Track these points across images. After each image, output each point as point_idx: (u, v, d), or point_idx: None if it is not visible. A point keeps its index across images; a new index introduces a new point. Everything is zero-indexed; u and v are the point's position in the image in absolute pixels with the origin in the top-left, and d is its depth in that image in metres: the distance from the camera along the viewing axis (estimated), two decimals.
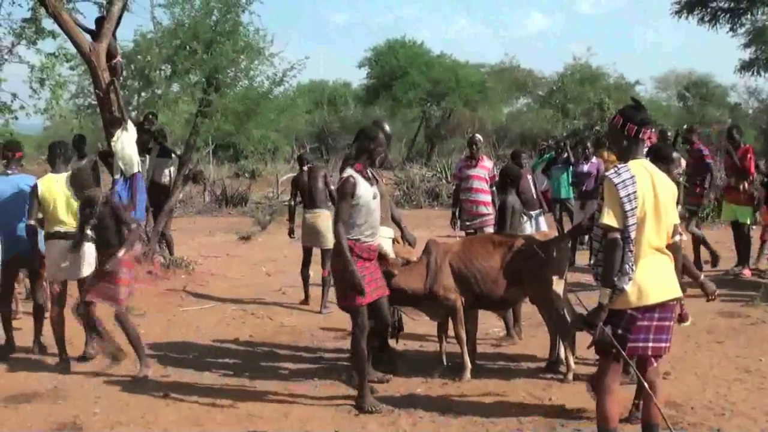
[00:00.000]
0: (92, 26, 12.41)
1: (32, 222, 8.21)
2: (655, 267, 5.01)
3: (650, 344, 5.06)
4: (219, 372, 8.06)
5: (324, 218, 10.85)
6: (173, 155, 13.77)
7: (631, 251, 4.91)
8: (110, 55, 12.40)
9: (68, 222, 8.26)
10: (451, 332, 7.74)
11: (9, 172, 8.80)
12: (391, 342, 8.34)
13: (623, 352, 4.99)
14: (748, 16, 27.37)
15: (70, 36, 12.28)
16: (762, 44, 29.06)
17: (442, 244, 7.87)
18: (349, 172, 6.67)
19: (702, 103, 48.10)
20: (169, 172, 13.72)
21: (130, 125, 11.72)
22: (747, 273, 11.81)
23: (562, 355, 7.47)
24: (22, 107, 13.19)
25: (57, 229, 8.26)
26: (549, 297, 7.38)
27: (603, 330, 5.02)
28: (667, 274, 5.10)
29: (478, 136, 11.22)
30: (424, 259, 7.66)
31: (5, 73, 13.50)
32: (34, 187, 8.30)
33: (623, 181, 4.91)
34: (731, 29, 27.65)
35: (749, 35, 28.66)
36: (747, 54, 29.89)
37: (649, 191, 4.96)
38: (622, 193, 4.89)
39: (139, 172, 11.72)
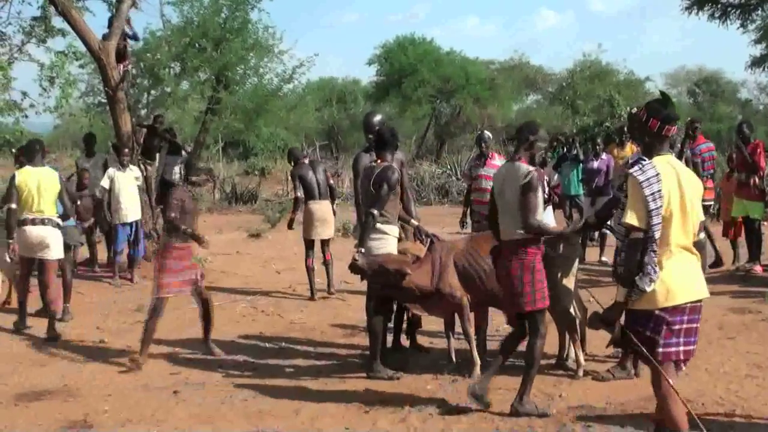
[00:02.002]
0: (102, 24, 12.47)
1: (13, 206, 9.22)
2: (682, 266, 4.89)
3: (681, 348, 4.94)
4: (229, 369, 8.06)
5: (328, 209, 11.51)
6: (183, 153, 13.81)
7: (654, 252, 4.78)
8: (120, 56, 12.46)
9: (41, 210, 9.30)
10: (459, 329, 7.73)
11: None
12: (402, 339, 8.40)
13: (642, 348, 4.88)
14: (759, 12, 27.22)
15: (80, 34, 12.34)
16: None
17: (447, 242, 7.84)
18: (529, 168, 6.45)
19: (712, 100, 48.03)
20: (179, 169, 13.73)
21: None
22: (758, 269, 11.74)
23: (572, 352, 7.46)
24: (32, 105, 13.23)
25: (28, 216, 9.26)
26: (555, 293, 7.34)
27: (621, 328, 4.95)
28: (695, 274, 4.97)
29: (487, 134, 10.76)
30: (429, 256, 7.61)
31: (15, 72, 13.55)
32: (13, 177, 9.40)
33: (648, 179, 4.79)
34: (742, 25, 27.50)
35: (760, 31, 28.48)
36: (758, 50, 29.73)
37: (675, 189, 4.85)
38: (647, 192, 4.76)
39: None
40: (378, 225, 7.57)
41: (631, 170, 4.92)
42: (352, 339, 9.15)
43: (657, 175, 4.80)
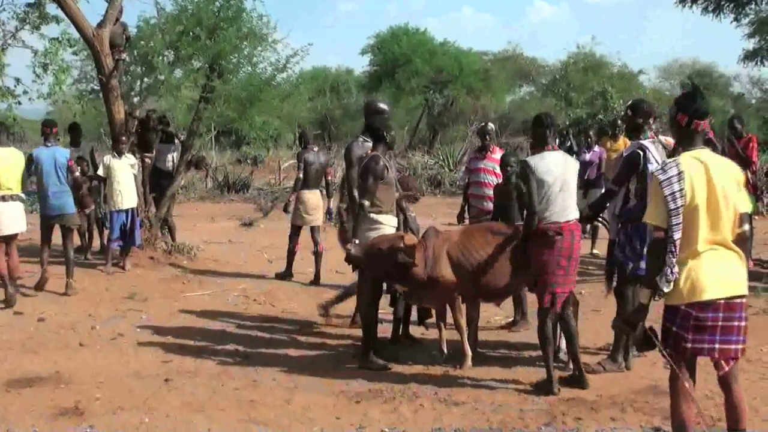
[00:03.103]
0: (96, 11, 12.44)
1: None
2: (712, 262, 4.77)
3: (716, 345, 4.81)
4: (221, 358, 8.08)
5: (319, 199, 12.15)
6: (176, 141, 13.79)
7: (672, 252, 4.72)
8: (113, 46, 12.43)
9: (9, 187, 9.98)
10: (450, 320, 7.74)
11: (48, 144, 10.83)
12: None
13: (663, 350, 4.87)
14: (752, 5, 27.28)
15: (74, 21, 12.29)
16: (766, 34, 28.96)
17: (441, 232, 7.81)
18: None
19: (705, 93, 47.96)
20: (172, 158, 13.75)
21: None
22: (749, 264, 11.75)
23: (563, 343, 7.49)
24: (25, 92, 13.21)
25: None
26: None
27: (644, 330, 4.90)
28: (729, 270, 4.83)
29: (491, 126, 10.37)
30: (422, 245, 7.59)
31: (9, 58, 13.51)
32: None
33: (668, 178, 4.74)
34: (735, 19, 27.58)
35: (753, 25, 28.55)
36: (751, 44, 29.80)
37: (701, 185, 4.75)
38: (666, 192, 4.72)
39: None
40: (372, 215, 7.60)
41: (653, 170, 4.96)
42: (344, 329, 9.17)
43: (679, 174, 4.74)
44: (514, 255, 7.37)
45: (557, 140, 7.14)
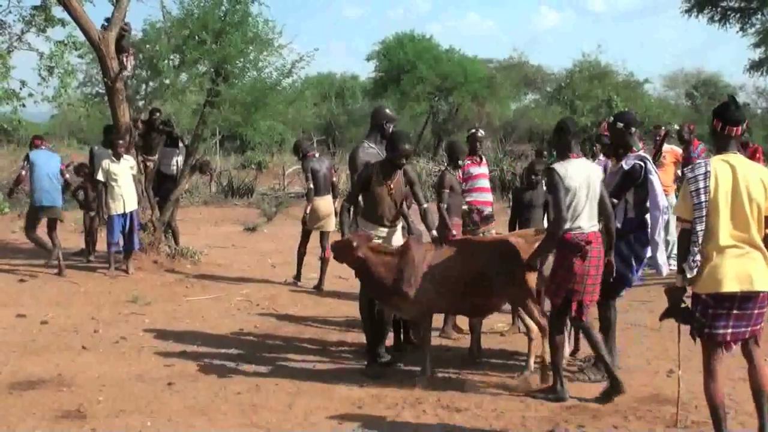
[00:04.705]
0: (102, 14, 12.47)
1: None
2: (733, 258, 5.17)
3: (729, 330, 5.23)
4: (223, 362, 8.07)
5: (330, 204, 12.03)
6: (180, 145, 13.81)
7: (695, 242, 5.18)
8: (121, 49, 12.45)
9: None
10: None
11: (42, 148, 12.40)
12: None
13: (696, 323, 5.26)
14: (759, 15, 27.31)
15: (80, 24, 12.32)
16: None
17: (423, 244, 7.53)
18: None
19: (710, 103, 47.97)
20: (176, 161, 13.77)
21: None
22: None
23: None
24: (30, 95, 13.23)
25: None
26: (527, 296, 7.29)
27: (685, 310, 5.35)
28: (748, 266, 5.17)
29: (482, 132, 10.15)
30: (398, 254, 7.38)
31: (15, 61, 13.53)
32: None
33: (695, 176, 5.21)
34: (741, 29, 27.64)
35: (759, 35, 28.58)
36: (757, 54, 29.84)
37: (726, 185, 5.18)
38: (692, 188, 5.20)
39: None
40: (362, 220, 7.64)
41: (686, 169, 5.43)
42: (347, 334, 9.17)
43: (706, 173, 5.20)
44: (500, 268, 7.16)
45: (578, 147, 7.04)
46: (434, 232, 7.56)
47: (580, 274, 6.55)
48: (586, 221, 6.60)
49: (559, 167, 6.65)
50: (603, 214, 6.75)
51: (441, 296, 7.25)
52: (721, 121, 5.35)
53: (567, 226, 6.54)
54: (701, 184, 5.17)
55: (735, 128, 5.33)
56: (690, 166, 5.41)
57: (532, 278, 7.21)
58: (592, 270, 6.59)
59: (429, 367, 7.31)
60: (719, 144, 5.41)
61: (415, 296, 7.20)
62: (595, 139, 10.92)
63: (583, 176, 6.63)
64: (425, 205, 7.76)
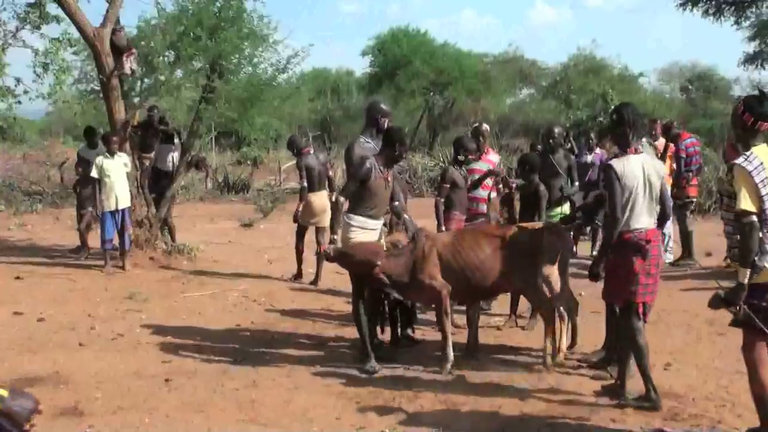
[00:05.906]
0: (97, 11, 12.45)
1: None
2: None
3: None
4: (221, 358, 8.06)
5: (326, 199, 11.95)
6: (176, 141, 13.80)
7: (765, 233, 5.17)
8: (119, 49, 12.43)
9: None
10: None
11: None
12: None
13: (762, 325, 5.20)
14: (753, 9, 27.32)
15: (75, 21, 12.30)
16: (766, 37, 29.00)
17: (432, 235, 7.77)
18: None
19: (705, 96, 48.06)
20: (172, 158, 13.76)
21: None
22: None
23: (563, 344, 7.52)
24: (25, 92, 13.18)
25: None
26: (537, 285, 7.37)
27: (743, 308, 5.23)
28: None
29: (486, 126, 10.26)
30: (409, 246, 7.57)
31: (9, 58, 13.48)
32: None
33: (756, 168, 5.18)
34: (736, 22, 27.62)
35: (754, 28, 28.61)
36: (751, 47, 29.88)
37: None
38: (757, 179, 5.15)
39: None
40: (357, 216, 7.58)
41: (737, 161, 5.26)
42: (344, 330, 9.16)
43: (762, 164, 5.20)
44: (504, 255, 7.40)
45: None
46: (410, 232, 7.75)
47: (640, 274, 6.30)
48: (646, 220, 6.38)
49: (617, 164, 6.39)
50: (662, 211, 6.59)
51: (457, 283, 7.45)
52: (753, 116, 5.33)
53: (626, 227, 6.32)
54: (763, 175, 5.17)
55: (766, 124, 5.34)
56: (743, 158, 5.22)
57: (549, 270, 7.42)
58: (653, 269, 6.37)
59: (451, 353, 7.44)
60: (746, 138, 5.38)
61: (430, 285, 7.42)
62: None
63: (641, 174, 6.38)
64: (396, 202, 7.96)
